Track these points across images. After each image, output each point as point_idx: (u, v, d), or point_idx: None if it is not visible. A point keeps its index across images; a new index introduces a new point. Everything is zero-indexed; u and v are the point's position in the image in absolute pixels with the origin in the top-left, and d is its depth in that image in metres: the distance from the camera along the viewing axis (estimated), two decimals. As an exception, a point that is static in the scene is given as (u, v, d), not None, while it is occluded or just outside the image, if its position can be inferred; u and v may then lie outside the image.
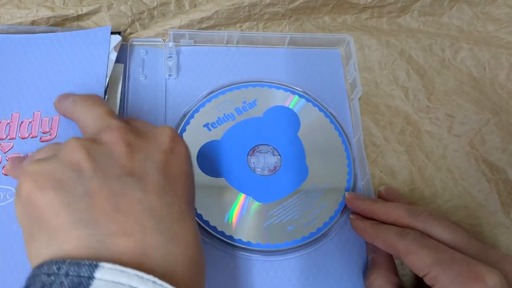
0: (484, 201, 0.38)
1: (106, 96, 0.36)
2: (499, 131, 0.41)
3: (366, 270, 0.34)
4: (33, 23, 0.39)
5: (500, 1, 0.46)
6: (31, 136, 0.34)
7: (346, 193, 0.36)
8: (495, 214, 0.38)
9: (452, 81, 0.43)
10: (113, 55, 0.38)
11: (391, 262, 0.33)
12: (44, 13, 0.39)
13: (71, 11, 0.40)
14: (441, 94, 0.43)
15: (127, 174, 0.24)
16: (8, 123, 0.35)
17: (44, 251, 0.22)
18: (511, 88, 0.43)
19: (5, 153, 0.34)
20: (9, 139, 0.34)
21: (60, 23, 0.40)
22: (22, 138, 0.34)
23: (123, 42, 0.40)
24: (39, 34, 0.39)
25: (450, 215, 0.38)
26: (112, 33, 0.39)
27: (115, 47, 0.38)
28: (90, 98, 0.30)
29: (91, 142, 0.25)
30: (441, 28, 0.46)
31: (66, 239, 0.22)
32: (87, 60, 0.37)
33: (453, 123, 0.41)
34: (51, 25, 0.40)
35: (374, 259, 0.33)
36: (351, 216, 0.35)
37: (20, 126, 0.35)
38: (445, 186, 0.39)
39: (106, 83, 0.36)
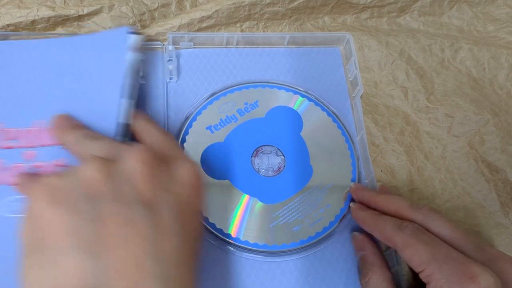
0: (483, 201, 0.39)
1: (124, 99, 0.34)
2: (499, 131, 0.41)
3: (359, 269, 0.34)
4: (33, 22, 0.39)
5: (500, 1, 0.46)
6: (53, 144, 0.33)
7: (352, 183, 0.37)
8: (494, 214, 0.38)
9: (452, 81, 0.44)
10: (129, 56, 0.35)
11: (381, 257, 0.33)
12: (45, 12, 0.39)
13: (72, 11, 0.39)
14: (441, 94, 0.43)
15: (141, 202, 0.23)
16: (30, 131, 0.34)
17: (38, 273, 0.21)
18: (511, 88, 0.44)
19: (28, 161, 0.33)
20: (31, 147, 0.33)
21: (61, 23, 0.40)
22: (44, 146, 0.33)
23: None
24: (56, 38, 0.37)
25: (450, 215, 0.38)
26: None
27: (131, 47, 0.36)
28: (92, 132, 0.30)
29: (110, 162, 0.25)
30: (441, 28, 0.47)
31: (64, 265, 0.21)
32: (104, 64, 0.35)
33: (453, 123, 0.42)
34: (51, 24, 0.39)
35: (364, 257, 0.33)
36: (351, 205, 0.35)
37: (41, 134, 0.34)
38: (445, 186, 0.39)
39: (122, 85, 0.34)
